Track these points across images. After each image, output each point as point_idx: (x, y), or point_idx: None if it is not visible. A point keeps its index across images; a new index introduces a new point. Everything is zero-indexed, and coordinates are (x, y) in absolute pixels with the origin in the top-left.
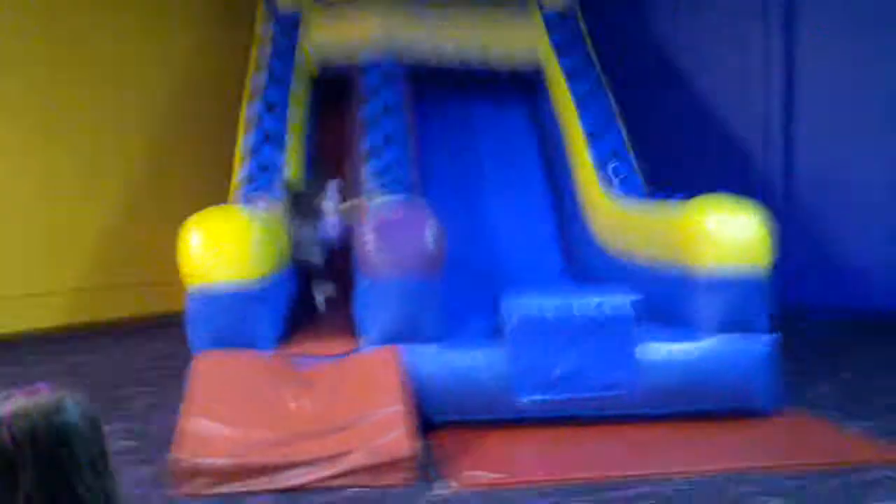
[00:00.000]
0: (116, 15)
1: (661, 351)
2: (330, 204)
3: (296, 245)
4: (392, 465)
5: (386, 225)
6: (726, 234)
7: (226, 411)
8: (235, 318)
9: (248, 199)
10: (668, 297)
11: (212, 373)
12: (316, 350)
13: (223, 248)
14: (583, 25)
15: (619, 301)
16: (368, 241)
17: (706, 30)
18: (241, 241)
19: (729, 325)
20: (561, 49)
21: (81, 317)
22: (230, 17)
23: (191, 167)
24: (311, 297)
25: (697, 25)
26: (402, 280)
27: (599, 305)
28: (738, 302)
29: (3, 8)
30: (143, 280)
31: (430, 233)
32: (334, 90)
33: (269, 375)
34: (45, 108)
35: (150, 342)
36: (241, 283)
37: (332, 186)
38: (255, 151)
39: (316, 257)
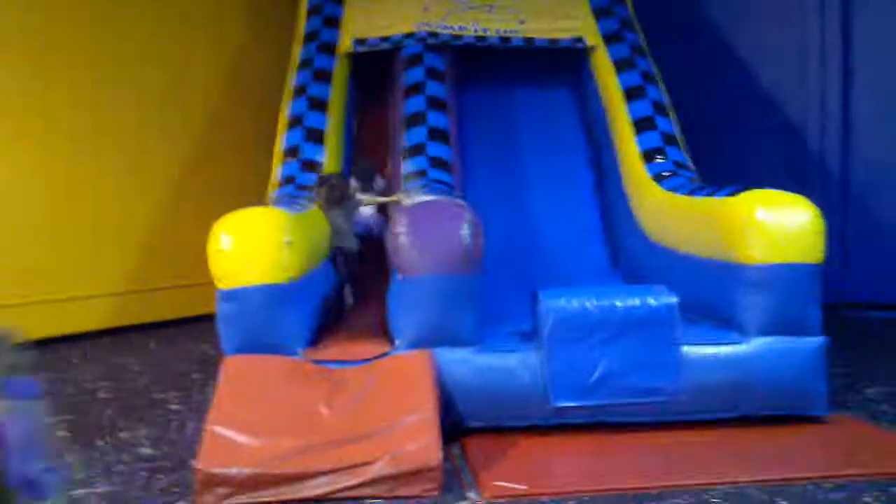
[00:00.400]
0: (163, 14)
1: (706, 353)
2: (365, 195)
3: (334, 232)
4: (417, 474)
5: (421, 219)
6: (776, 228)
7: (250, 419)
8: (265, 321)
9: (283, 200)
10: (714, 294)
11: (238, 379)
12: (347, 353)
13: (252, 249)
14: (631, 9)
15: (661, 300)
16: (402, 236)
17: (758, 8)
18: (271, 242)
19: (777, 324)
20: (609, 36)
21: (127, 318)
22: (272, 14)
23: (236, 166)
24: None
25: (749, 4)
26: (437, 278)
27: (641, 305)
28: (788, 300)
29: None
30: (190, 281)
31: (467, 228)
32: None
33: (298, 381)
34: (93, 109)
35: (194, 344)
36: (271, 285)
37: (373, 178)
38: (295, 150)
39: (351, 244)
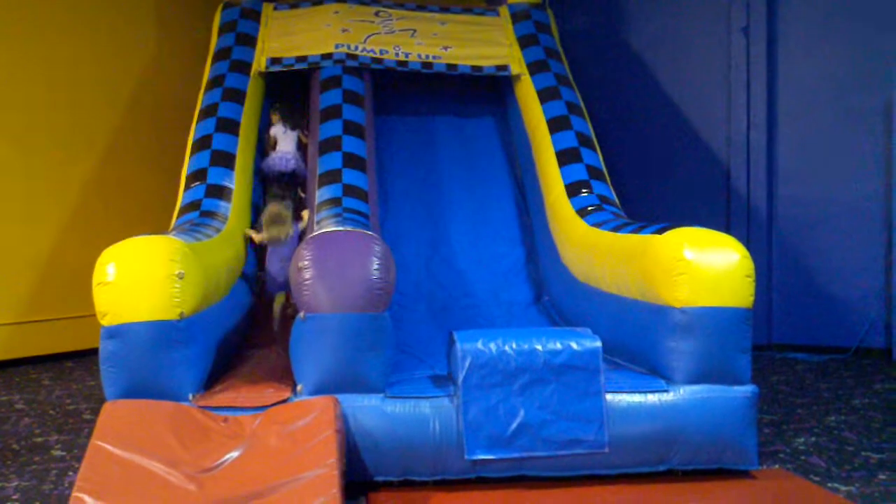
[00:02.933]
0: (59, 27)
1: (631, 402)
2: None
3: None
4: None
5: (327, 251)
6: (704, 269)
7: (127, 485)
8: (152, 362)
9: (183, 227)
10: (640, 337)
11: (117, 431)
12: (243, 398)
13: (139, 281)
14: (557, 40)
15: (585, 345)
16: (306, 270)
17: (685, 45)
18: (161, 275)
19: (705, 372)
20: (534, 65)
21: (17, 351)
22: (185, 30)
23: (143, 190)
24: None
25: (675, 40)
26: (343, 317)
27: (563, 350)
28: (716, 346)
29: None
30: (91, 311)
31: (376, 262)
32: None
33: (186, 432)
34: None
35: (92, 378)
36: (159, 322)
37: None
38: (201, 174)
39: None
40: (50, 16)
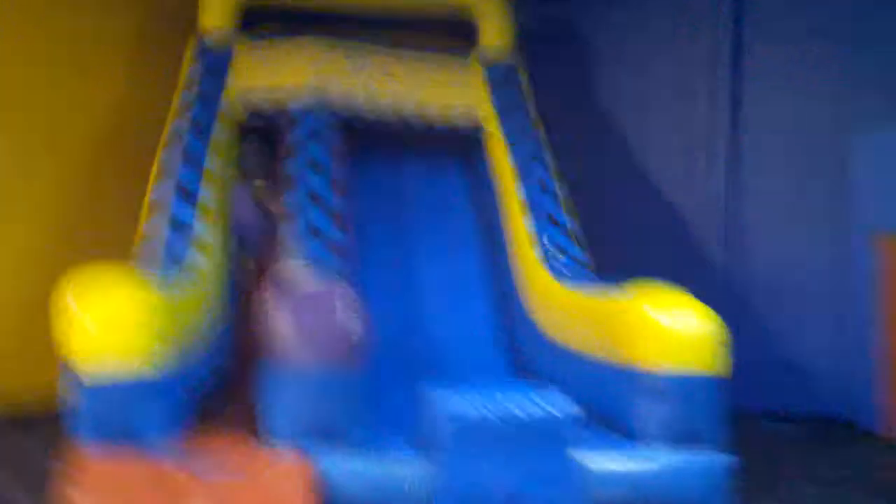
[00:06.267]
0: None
1: (604, 467)
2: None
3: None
4: None
5: (298, 302)
6: (673, 332)
7: None
8: (123, 416)
9: (155, 258)
10: (609, 399)
11: (85, 487)
12: (213, 455)
13: (109, 323)
14: (527, 87)
15: (564, 410)
16: (278, 318)
17: (656, 100)
18: (134, 316)
19: (673, 435)
20: (503, 112)
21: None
22: (160, 59)
23: (116, 220)
24: None
25: (642, 100)
26: (314, 370)
27: (542, 415)
28: (685, 409)
29: None
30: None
31: (350, 314)
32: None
33: (156, 490)
34: None
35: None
36: (129, 370)
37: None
38: (164, 204)
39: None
40: (29, 41)
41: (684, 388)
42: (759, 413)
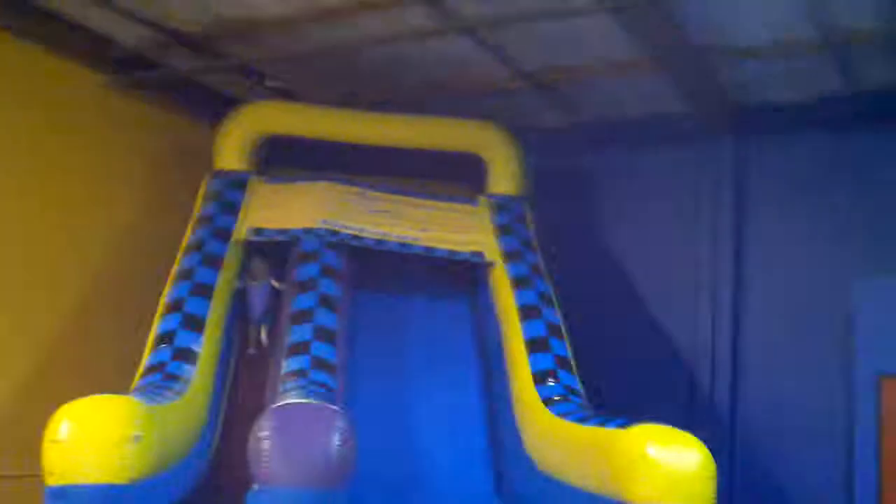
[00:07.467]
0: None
1: None
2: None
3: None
4: None
5: (288, 423)
6: (667, 470)
7: None
8: None
9: (145, 389)
10: None
11: None
12: None
13: (92, 441)
14: (532, 229)
15: None
16: (265, 441)
17: (656, 238)
18: (115, 436)
19: None
20: (509, 254)
21: None
22: (170, 194)
23: (113, 349)
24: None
25: (645, 241)
26: (300, 492)
27: None
28: None
29: None
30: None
31: (338, 436)
32: None
33: None
34: None
35: None
36: (110, 485)
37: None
38: (169, 336)
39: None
40: (24, 168)
41: None
42: None
